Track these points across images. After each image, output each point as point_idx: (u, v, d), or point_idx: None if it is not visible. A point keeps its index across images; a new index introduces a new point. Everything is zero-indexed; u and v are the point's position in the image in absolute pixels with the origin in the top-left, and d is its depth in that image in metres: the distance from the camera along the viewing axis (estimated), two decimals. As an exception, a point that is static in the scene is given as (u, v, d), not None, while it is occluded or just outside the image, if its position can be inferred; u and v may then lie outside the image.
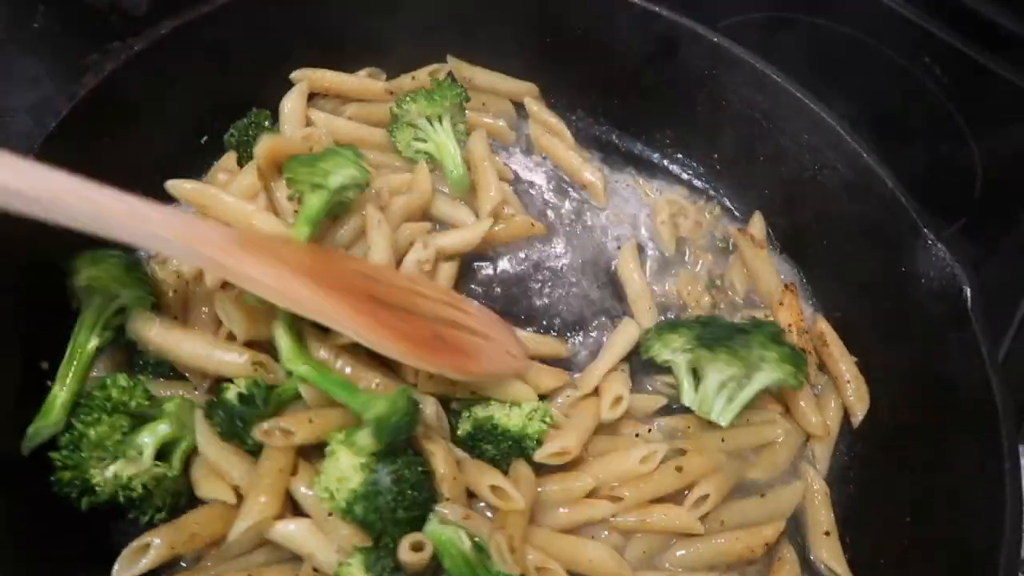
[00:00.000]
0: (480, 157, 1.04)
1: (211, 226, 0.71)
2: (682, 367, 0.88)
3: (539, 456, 0.80)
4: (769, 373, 0.85)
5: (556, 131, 1.15)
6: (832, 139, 1.02)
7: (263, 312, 0.79)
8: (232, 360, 0.78)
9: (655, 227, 1.10)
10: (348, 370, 0.77)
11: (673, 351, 0.88)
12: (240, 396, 0.72)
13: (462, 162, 1.02)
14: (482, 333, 0.83)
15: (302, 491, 0.72)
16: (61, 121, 0.84)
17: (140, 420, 0.73)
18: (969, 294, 0.89)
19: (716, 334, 0.86)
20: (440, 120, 1.02)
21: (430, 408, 0.77)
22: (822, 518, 0.87)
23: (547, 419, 0.82)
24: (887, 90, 1.40)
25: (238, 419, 0.72)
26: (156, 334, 0.77)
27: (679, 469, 0.82)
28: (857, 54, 1.45)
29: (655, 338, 0.90)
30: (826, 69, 1.30)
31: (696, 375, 0.88)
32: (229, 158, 1.03)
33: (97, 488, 0.70)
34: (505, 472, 0.79)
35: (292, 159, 0.86)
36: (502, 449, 0.79)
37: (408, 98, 1.01)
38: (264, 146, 0.85)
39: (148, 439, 0.72)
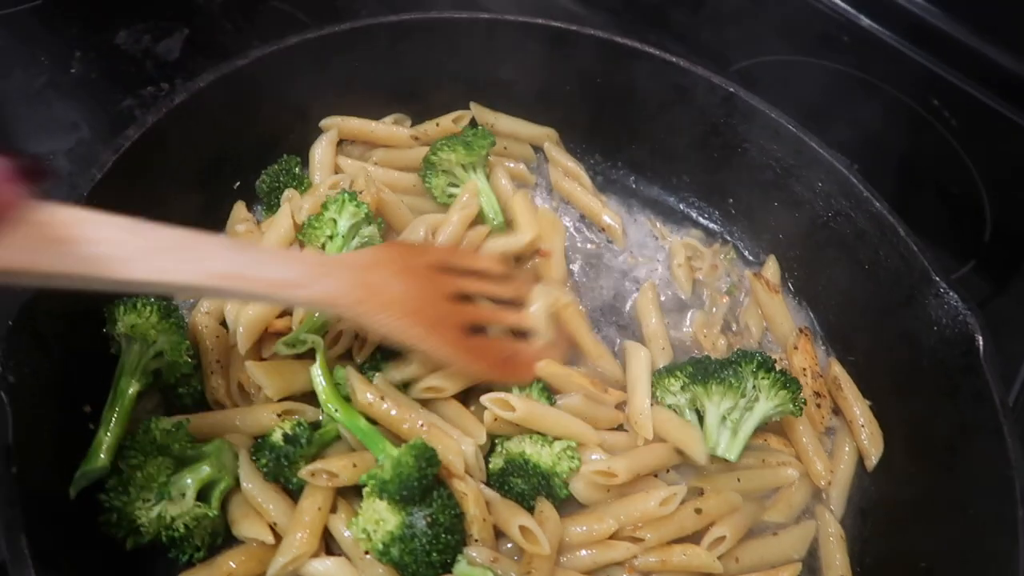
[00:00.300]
0: (509, 191, 1.10)
1: (341, 284, 0.74)
2: (684, 409, 0.91)
3: (587, 468, 0.83)
4: (767, 401, 0.88)
5: (574, 175, 1.18)
6: (845, 186, 1.05)
7: (292, 369, 0.83)
8: (265, 418, 0.82)
9: (672, 269, 1.13)
10: (394, 412, 0.79)
11: (673, 394, 0.91)
12: (285, 436, 0.75)
13: (499, 208, 1.06)
14: (538, 330, 0.92)
15: (340, 530, 0.74)
16: (108, 171, 0.87)
17: (182, 461, 0.76)
18: (981, 343, 0.91)
19: (708, 369, 0.90)
20: (475, 168, 1.06)
21: (469, 449, 0.79)
22: (837, 561, 0.88)
23: (576, 459, 0.85)
24: (897, 132, 1.43)
25: (284, 459, 0.75)
26: (193, 426, 0.80)
27: (698, 511, 0.84)
28: (868, 96, 1.49)
29: (656, 384, 0.93)
30: (837, 111, 1.34)
31: (699, 414, 0.91)
32: (240, 208, 1.06)
33: (142, 528, 0.72)
34: (531, 510, 0.81)
35: (305, 223, 0.91)
36: (531, 484, 0.82)
37: (445, 146, 1.05)
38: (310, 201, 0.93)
39: (190, 480, 0.75)
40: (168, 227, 0.64)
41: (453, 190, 1.07)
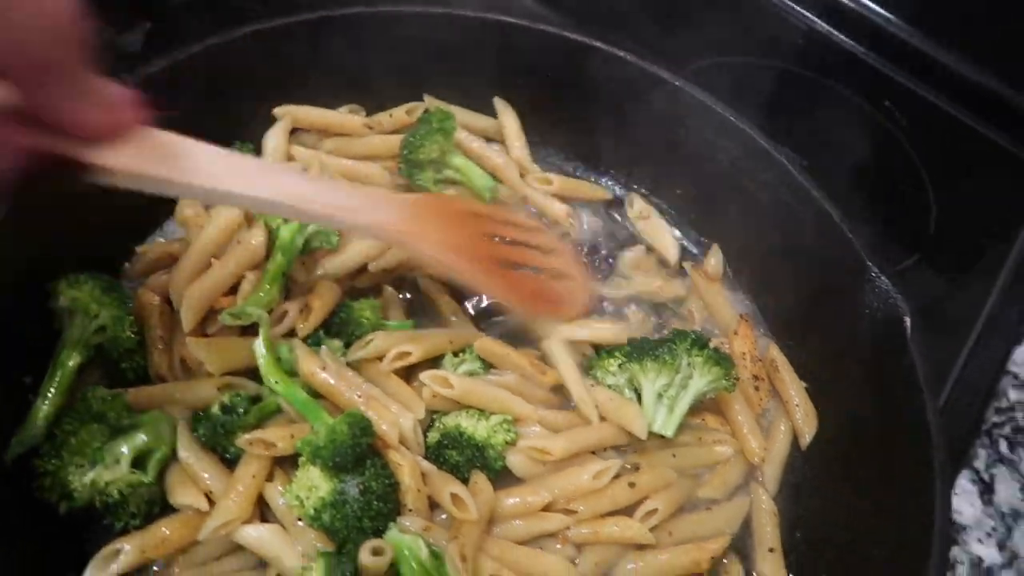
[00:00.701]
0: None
1: (393, 215, 0.78)
2: (624, 388, 0.93)
3: (522, 444, 0.86)
4: (701, 378, 0.91)
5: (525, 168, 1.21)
6: (786, 178, 1.08)
7: (234, 345, 0.85)
8: (204, 392, 0.84)
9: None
10: (333, 382, 0.82)
11: (612, 374, 0.94)
12: (223, 406, 0.77)
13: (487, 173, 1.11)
14: (570, 275, 0.95)
15: (275, 499, 0.76)
16: None
17: (118, 431, 0.77)
18: (909, 324, 0.94)
19: (643, 347, 0.92)
20: (453, 150, 1.11)
21: (407, 422, 0.81)
22: (768, 535, 0.91)
23: (512, 433, 0.87)
24: (849, 131, 1.47)
25: (220, 427, 0.77)
26: (131, 397, 0.82)
27: (632, 485, 0.86)
28: (820, 97, 1.53)
29: (596, 366, 0.96)
30: (791, 110, 1.38)
31: (638, 393, 0.93)
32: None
33: (75, 493, 0.74)
34: (466, 482, 0.83)
35: None
36: (466, 455, 0.84)
37: (424, 140, 1.08)
38: None
39: (125, 448, 0.76)
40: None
41: (439, 176, 1.11)
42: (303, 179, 0.78)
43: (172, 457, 0.80)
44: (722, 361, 0.92)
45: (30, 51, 0.50)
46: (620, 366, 0.93)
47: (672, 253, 1.16)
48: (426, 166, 1.11)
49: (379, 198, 0.81)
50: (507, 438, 0.86)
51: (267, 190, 0.69)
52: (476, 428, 0.85)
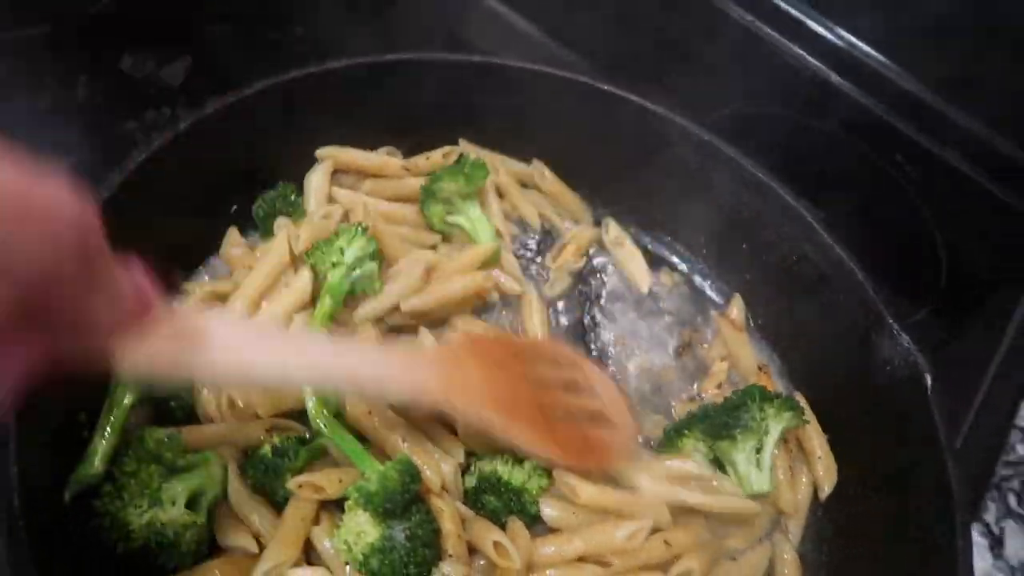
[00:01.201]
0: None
1: (430, 376, 0.78)
2: (705, 465, 0.96)
3: (557, 479, 0.88)
4: (777, 425, 0.96)
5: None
6: (808, 232, 1.12)
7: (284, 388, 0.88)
8: (254, 434, 0.86)
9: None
10: (380, 427, 0.85)
11: (692, 454, 0.97)
12: (274, 449, 0.80)
13: (494, 234, 1.13)
14: (613, 422, 0.92)
15: (322, 542, 0.78)
16: (113, 194, 0.92)
17: (174, 471, 0.80)
18: (930, 382, 0.98)
19: (722, 420, 0.95)
20: (472, 198, 1.13)
21: (449, 468, 0.84)
22: (792, 585, 0.94)
23: (546, 478, 0.89)
24: (860, 183, 1.52)
25: (271, 471, 0.79)
26: (186, 437, 0.84)
27: (667, 543, 0.88)
28: (834, 149, 1.57)
29: (672, 447, 0.98)
30: (805, 161, 1.42)
31: (720, 462, 0.97)
32: (233, 233, 1.10)
33: (133, 534, 0.76)
34: (503, 527, 0.86)
35: (314, 246, 0.96)
36: (504, 500, 0.86)
37: (446, 176, 1.11)
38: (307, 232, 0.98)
39: (181, 488, 0.78)
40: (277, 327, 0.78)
41: (450, 218, 1.13)
42: (332, 346, 0.78)
43: (222, 498, 0.82)
44: (788, 402, 0.96)
45: (45, 266, 0.45)
46: (707, 447, 0.96)
47: (645, 280, 1.20)
48: (440, 201, 1.14)
49: (414, 360, 0.81)
50: (541, 483, 0.89)
51: (302, 369, 0.69)
52: (513, 473, 0.88)
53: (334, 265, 0.95)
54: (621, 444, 0.92)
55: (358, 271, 0.96)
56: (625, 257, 1.21)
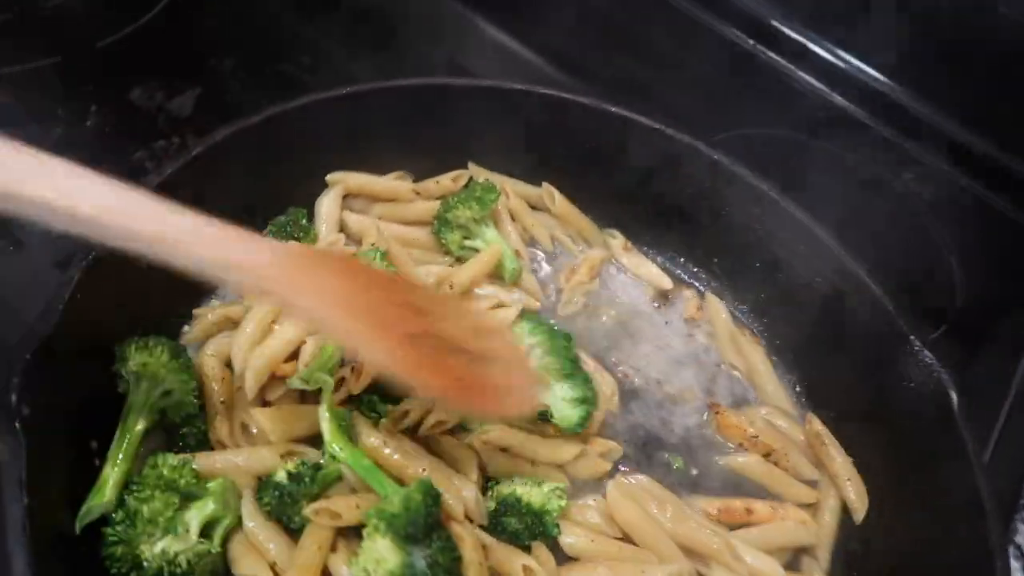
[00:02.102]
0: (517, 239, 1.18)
1: (257, 245, 0.67)
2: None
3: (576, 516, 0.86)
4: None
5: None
6: (824, 251, 1.11)
7: (296, 414, 0.87)
8: (268, 460, 0.84)
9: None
10: (396, 456, 0.82)
11: None
12: (289, 475, 0.78)
13: (514, 255, 1.12)
14: (508, 360, 0.80)
15: (339, 570, 0.76)
16: None
17: (186, 498, 0.78)
18: (955, 399, 0.96)
19: None
20: (486, 221, 1.13)
21: (470, 493, 0.82)
22: (825, 613, 0.91)
23: (564, 498, 0.88)
24: (872, 203, 1.51)
25: (287, 497, 0.77)
26: (199, 464, 0.83)
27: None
28: (843, 169, 1.57)
29: None
30: (814, 182, 1.42)
31: None
32: None
33: (145, 563, 0.73)
34: (525, 550, 0.84)
35: None
36: (525, 523, 0.84)
37: (459, 203, 1.11)
38: None
39: (194, 516, 0.76)
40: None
41: (468, 243, 1.13)
42: (135, 193, 0.63)
43: (236, 526, 0.80)
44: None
45: None
46: None
47: (663, 281, 1.20)
48: (456, 228, 1.13)
49: (241, 235, 0.66)
50: (560, 504, 0.87)
51: (78, 196, 0.57)
52: (532, 495, 0.86)
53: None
54: (521, 391, 0.79)
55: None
56: (636, 263, 1.20)
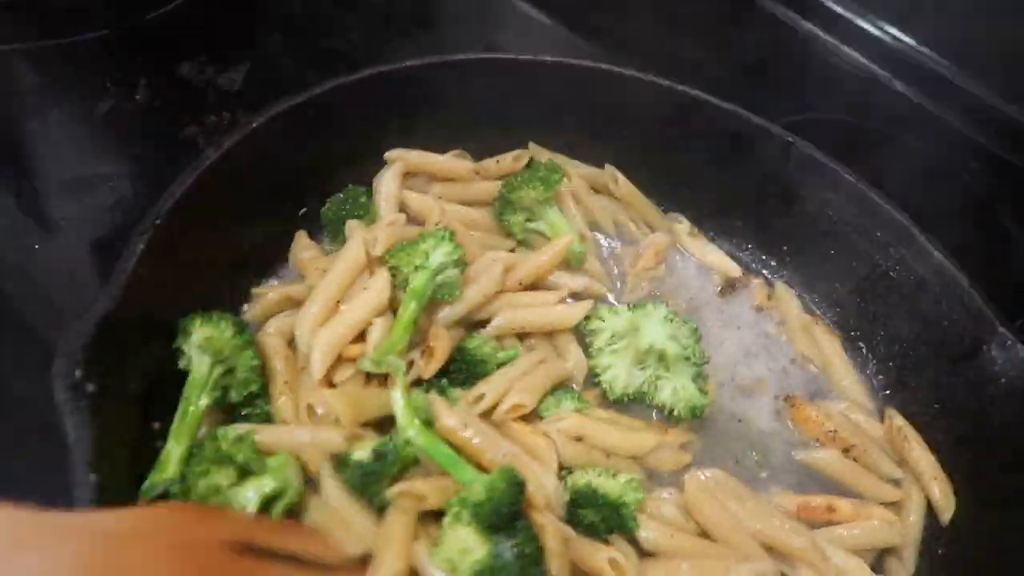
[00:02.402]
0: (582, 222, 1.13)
1: (61, 553, 0.54)
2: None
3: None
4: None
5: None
6: (904, 237, 1.05)
7: (365, 396, 0.83)
8: (333, 440, 0.79)
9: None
10: (476, 440, 0.78)
11: None
12: (375, 453, 0.74)
13: (579, 238, 1.07)
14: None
15: (420, 559, 0.71)
16: (184, 192, 0.87)
17: (246, 473, 0.74)
18: (1052, 392, 0.90)
19: None
20: (549, 203, 1.07)
21: (551, 481, 0.78)
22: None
23: (640, 492, 0.84)
24: (940, 193, 1.45)
25: (370, 476, 0.73)
26: (260, 439, 0.78)
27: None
28: (913, 155, 1.51)
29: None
30: (887, 168, 1.36)
31: None
32: (302, 236, 1.06)
33: (205, 541, 0.70)
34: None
35: (397, 247, 0.91)
36: (602, 515, 0.80)
37: (523, 184, 1.06)
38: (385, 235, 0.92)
39: (253, 492, 0.73)
40: None
41: (531, 225, 1.08)
42: None
43: (296, 503, 0.76)
44: None
45: None
46: None
47: (731, 268, 1.15)
48: (519, 210, 1.09)
49: (44, 523, 0.54)
50: (637, 497, 0.83)
51: None
52: (607, 486, 0.82)
53: (417, 268, 0.89)
54: None
55: (442, 276, 0.90)
56: (702, 249, 1.16)
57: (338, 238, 1.04)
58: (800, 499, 0.93)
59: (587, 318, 0.98)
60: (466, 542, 0.69)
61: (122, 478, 0.72)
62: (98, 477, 0.66)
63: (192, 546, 0.62)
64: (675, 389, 0.93)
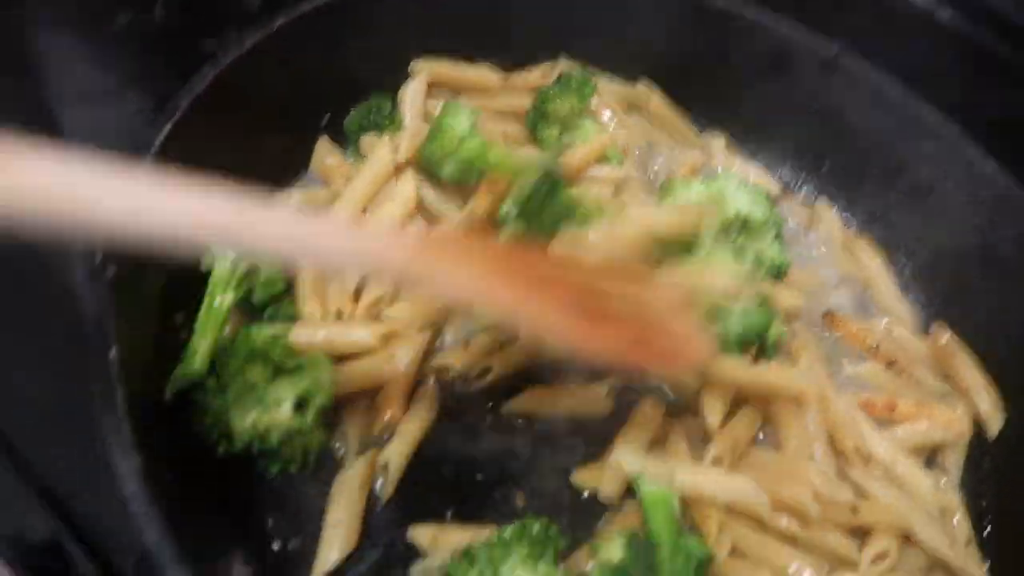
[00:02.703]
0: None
1: (396, 242, 0.62)
2: None
3: None
4: None
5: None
6: (958, 153, 0.99)
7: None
8: (363, 339, 0.78)
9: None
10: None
11: None
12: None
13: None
14: (675, 322, 0.70)
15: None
16: (189, 105, 0.84)
17: (279, 371, 0.72)
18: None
19: None
20: (584, 115, 1.05)
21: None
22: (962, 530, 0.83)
23: None
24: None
25: None
26: (294, 337, 0.77)
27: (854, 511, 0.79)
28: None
29: None
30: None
31: None
32: (324, 143, 1.02)
33: (235, 435, 0.68)
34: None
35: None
36: None
37: (557, 96, 1.04)
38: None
39: (288, 391, 0.71)
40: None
41: (565, 137, 1.05)
42: (268, 211, 0.57)
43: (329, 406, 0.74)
44: None
45: None
46: None
47: (770, 186, 1.10)
48: (553, 122, 1.06)
49: (378, 234, 0.64)
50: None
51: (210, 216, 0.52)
52: None
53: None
54: (692, 345, 0.70)
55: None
56: (740, 167, 1.12)
57: (355, 148, 1.01)
58: (862, 398, 0.90)
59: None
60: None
61: (147, 369, 0.70)
62: (120, 350, 0.63)
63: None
64: (759, 252, 0.91)
